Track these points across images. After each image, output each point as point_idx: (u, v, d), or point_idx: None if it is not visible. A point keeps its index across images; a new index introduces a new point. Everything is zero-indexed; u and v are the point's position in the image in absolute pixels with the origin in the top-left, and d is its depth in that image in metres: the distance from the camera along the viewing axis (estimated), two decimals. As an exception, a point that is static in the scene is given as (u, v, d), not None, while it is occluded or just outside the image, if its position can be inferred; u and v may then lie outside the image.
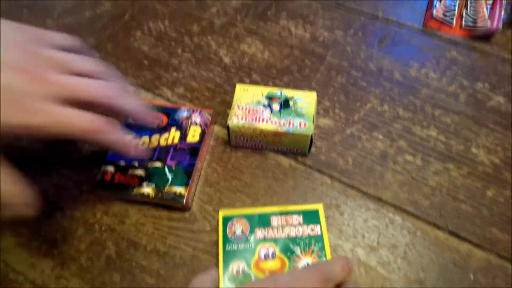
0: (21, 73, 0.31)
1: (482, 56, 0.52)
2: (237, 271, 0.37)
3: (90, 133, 0.33)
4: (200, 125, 0.45)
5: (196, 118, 0.45)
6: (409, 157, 0.45)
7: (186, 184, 0.41)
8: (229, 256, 0.38)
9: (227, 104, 0.49)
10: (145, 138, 0.44)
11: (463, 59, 0.51)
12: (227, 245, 0.38)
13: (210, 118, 0.45)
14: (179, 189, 0.41)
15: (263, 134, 0.43)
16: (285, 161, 0.45)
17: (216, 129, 0.48)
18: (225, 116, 0.48)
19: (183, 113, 0.46)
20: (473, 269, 0.38)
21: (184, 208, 0.42)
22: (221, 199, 0.43)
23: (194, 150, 0.43)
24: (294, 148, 0.44)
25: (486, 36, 0.53)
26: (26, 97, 0.30)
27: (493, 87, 0.49)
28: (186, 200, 0.40)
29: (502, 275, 0.38)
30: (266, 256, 0.37)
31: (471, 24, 0.54)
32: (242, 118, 0.43)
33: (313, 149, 0.46)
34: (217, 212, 0.42)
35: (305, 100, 0.44)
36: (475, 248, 0.39)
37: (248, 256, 0.38)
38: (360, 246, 0.40)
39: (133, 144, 0.37)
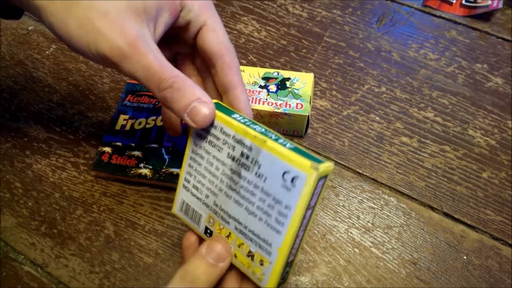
0: None
1: (482, 36, 0.51)
2: None
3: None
4: None
5: None
6: (405, 139, 0.45)
7: None
8: None
9: (224, 85, 0.49)
10: (142, 120, 0.44)
11: (463, 39, 0.51)
12: None
13: None
14: (176, 170, 0.41)
15: (260, 115, 0.43)
16: (281, 142, 0.45)
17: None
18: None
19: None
20: (466, 250, 0.39)
21: None
22: (218, 180, 0.43)
23: None
24: (290, 129, 0.44)
25: (486, 15, 0.52)
26: None
27: (492, 68, 0.49)
28: None
29: (495, 256, 0.38)
30: None
31: (471, 1, 0.53)
32: (238, 99, 0.43)
33: (309, 130, 0.46)
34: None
35: (302, 81, 0.43)
36: (469, 229, 0.40)
37: None
38: (355, 227, 0.40)
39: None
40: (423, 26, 0.52)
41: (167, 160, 0.41)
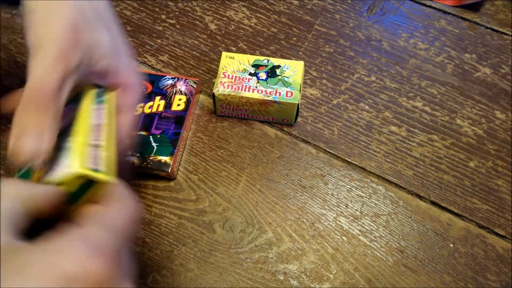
0: None
1: (471, 26, 0.51)
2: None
3: None
4: (185, 94, 0.44)
5: (181, 86, 0.44)
6: (394, 128, 0.45)
7: (171, 153, 0.41)
8: None
9: (213, 73, 0.48)
10: (129, 107, 0.43)
11: (452, 29, 0.51)
12: None
13: (195, 86, 0.44)
14: (164, 158, 0.40)
15: (249, 102, 0.42)
16: (270, 131, 0.45)
17: (202, 98, 0.47)
18: (211, 84, 0.48)
19: (168, 81, 0.45)
20: (453, 238, 0.39)
21: (169, 177, 0.41)
22: (206, 169, 0.43)
23: (179, 119, 0.43)
24: (280, 118, 0.44)
25: (476, 5, 0.52)
26: None
27: (480, 58, 0.49)
28: (171, 169, 0.40)
29: (480, 244, 0.39)
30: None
31: (461, -7, 0.53)
32: (228, 86, 0.42)
33: (299, 119, 0.45)
34: (203, 181, 0.42)
35: (292, 69, 0.43)
36: (455, 217, 0.40)
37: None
38: (343, 215, 0.40)
39: None
40: (413, 16, 0.52)
41: (155, 148, 0.41)
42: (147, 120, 0.42)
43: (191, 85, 0.44)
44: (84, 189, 0.25)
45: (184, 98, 0.44)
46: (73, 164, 0.24)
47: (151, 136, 0.42)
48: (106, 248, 0.20)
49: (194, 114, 0.46)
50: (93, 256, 0.19)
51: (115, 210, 0.23)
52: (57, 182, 0.24)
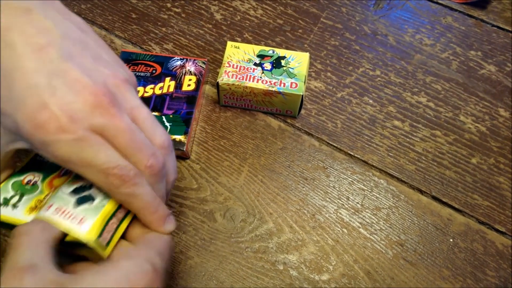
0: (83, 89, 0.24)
1: (477, 23, 0.51)
2: (28, 181, 0.29)
3: (113, 178, 0.25)
4: (195, 74, 0.44)
5: (190, 67, 0.45)
6: (397, 123, 0.45)
7: (185, 132, 0.41)
8: (34, 165, 0.30)
9: (217, 63, 0.48)
10: (139, 88, 0.43)
11: (458, 26, 0.51)
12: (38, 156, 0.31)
13: (204, 66, 0.45)
14: (179, 137, 0.41)
15: (253, 93, 0.42)
16: (274, 122, 0.45)
17: (206, 87, 0.47)
18: (215, 74, 0.48)
19: (177, 62, 0.45)
20: (453, 233, 0.39)
21: (185, 156, 0.42)
22: (209, 158, 0.43)
23: (191, 98, 0.43)
24: (284, 109, 0.44)
25: (483, 3, 0.52)
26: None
27: (486, 55, 0.49)
28: (186, 147, 0.40)
29: (480, 239, 0.39)
30: (66, 173, 0.30)
31: (469, -10, 0.53)
32: (232, 76, 0.42)
33: (302, 111, 0.45)
34: (205, 171, 0.42)
35: (297, 60, 0.43)
36: (456, 213, 0.40)
37: (51, 172, 0.30)
38: (344, 207, 0.40)
39: (167, 215, 0.28)
40: (420, 12, 0.52)
41: (168, 128, 0.41)
42: (159, 101, 0.43)
43: (200, 66, 0.45)
44: (78, 245, 0.26)
45: (194, 78, 0.44)
46: (90, 231, 0.25)
47: (163, 116, 0.42)
48: (161, 268, 0.25)
49: (204, 94, 0.46)
50: (156, 275, 0.24)
51: (159, 240, 0.27)
52: (62, 230, 0.25)
